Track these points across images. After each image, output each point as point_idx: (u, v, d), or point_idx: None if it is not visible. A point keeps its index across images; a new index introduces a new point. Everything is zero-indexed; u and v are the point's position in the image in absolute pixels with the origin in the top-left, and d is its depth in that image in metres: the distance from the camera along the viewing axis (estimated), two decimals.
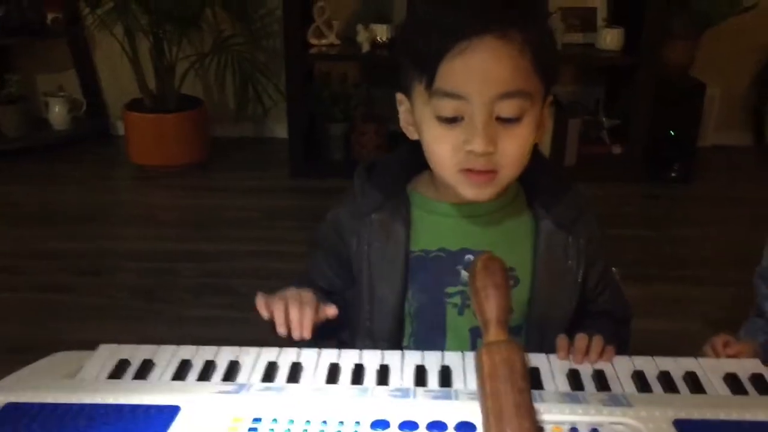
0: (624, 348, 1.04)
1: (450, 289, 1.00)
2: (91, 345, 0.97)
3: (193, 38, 3.43)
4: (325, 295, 1.04)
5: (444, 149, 0.89)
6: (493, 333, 0.65)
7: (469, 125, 0.87)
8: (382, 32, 3.24)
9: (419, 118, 0.92)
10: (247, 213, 3.08)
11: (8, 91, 3.56)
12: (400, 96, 0.96)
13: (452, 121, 0.87)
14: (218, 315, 2.33)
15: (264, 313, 0.93)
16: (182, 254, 2.73)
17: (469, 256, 0.98)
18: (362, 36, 3.23)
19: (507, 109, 0.86)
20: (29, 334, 2.21)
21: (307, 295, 0.95)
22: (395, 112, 0.99)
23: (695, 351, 1.12)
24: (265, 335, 1.00)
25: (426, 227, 1.00)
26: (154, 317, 2.32)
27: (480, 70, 0.84)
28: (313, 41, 3.30)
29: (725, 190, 3.29)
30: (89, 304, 2.40)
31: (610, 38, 3.23)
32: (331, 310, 0.95)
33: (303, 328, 0.91)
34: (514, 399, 0.59)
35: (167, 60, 3.35)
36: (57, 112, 3.65)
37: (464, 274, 0.98)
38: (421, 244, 1.00)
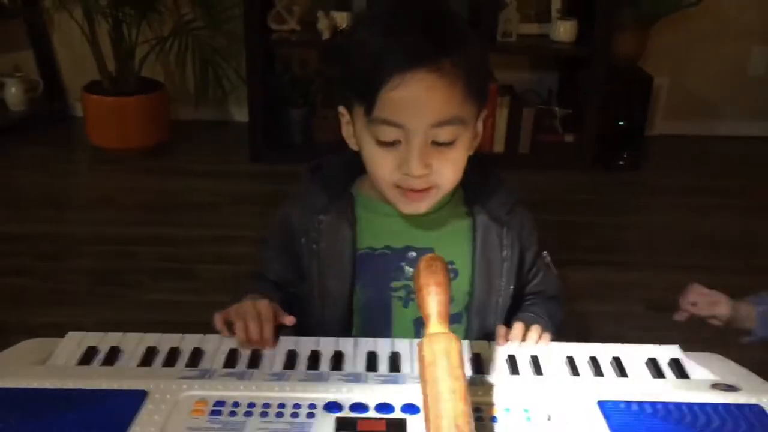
0: (556, 321, 1.14)
1: (395, 284, 1.07)
2: (53, 329, 1.01)
3: (153, 21, 3.42)
4: (277, 288, 1.11)
5: (382, 169, 0.97)
6: (434, 326, 0.73)
7: (406, 149, 0.94)
8: (342, 19, 3.27)
9: (359, 137, 0.98)
10: (207, 197, 3.10)
11: None
12: (341, 109, 1.02)
13: (390, 144, 0.95)
14: (179, 299, 2.36)
15: (225, 334, 0.99)
16: (142, 238, 2.75)
17: (412, 253, 1.06)
18: (323, 23, 3.26)
19: (442, 135, 0.94)
20: None
21: (264, 306, 0.99)
22: None
23: (638, 334, 1.20)
24: None
25: (371, 226, 1.07)
26: (114, 301, 2.34)
27: (415, 102, 0.91)
28: (274, 26, 3.32)
29: (671, 179, 3.42)
30: (49, 289, 2.42)
31: (564, 30, 3.31)
32: (289, 320, 1.01)
33: (265, 343, 0.97)
34: (450, 384, 0.66)
35: (127, 43, 3.34)
36: (13, 93, 3.60)
37: (408, 269, 1.06)
38: (367, 242, 1.07)
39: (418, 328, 1.07)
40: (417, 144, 0.93)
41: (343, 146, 1.06)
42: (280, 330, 1.01)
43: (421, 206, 1.00)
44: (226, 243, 2.71)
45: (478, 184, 1.08)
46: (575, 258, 2.62)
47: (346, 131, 1.03)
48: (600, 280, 2.53)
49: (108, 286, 2.45)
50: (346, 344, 0.98)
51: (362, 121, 0.96)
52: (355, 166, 1.07)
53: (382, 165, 0.97)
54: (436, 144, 0.94)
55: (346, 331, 1.09)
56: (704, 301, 1.22)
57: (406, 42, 0.90)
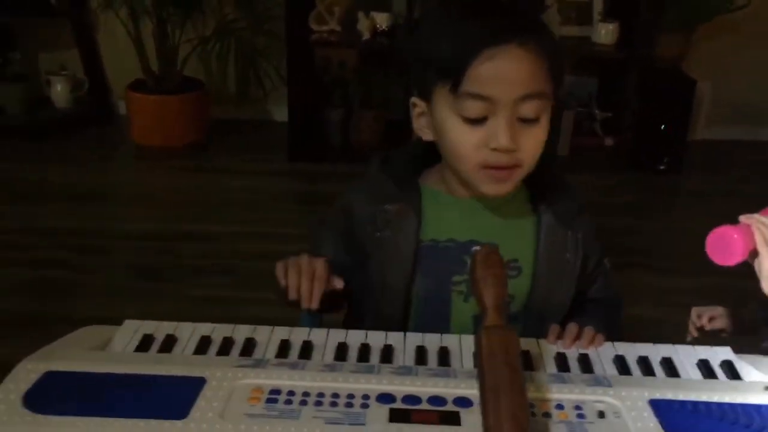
0: (615, 330, 1.12)
1: (457, 278, 1.07)
2: (95, 323, 1.03)
3: (196, 21, 3.47)
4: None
5: (467, 147, 0.97)
6: (491, 318, 0.73)
7: (493, 124, 0.95)
8: (382, 20, 3.29)
9: (441, 118, 0.99)
10: (245, 195, 3.15)
11: (11, 69, 3.60)
12: (414, 100, 1.03)
13: (477, 121, 0.95)
14: (219, 295, 2.39)
15: (281, 281, 1.01)
16: (182, 234, 2.79)
17: (476, 247, 1.03)
18: (363, 23, 3.28)
19: (528, 109, 0.95)
20: (37, 310, 2.27)
21: (320, 265, 1.01)
22: (393, 99, 1.06)
23: (677, 338, 1.21)
24: (266, 314, 1.08)
25: (436, 219, 1.07)
26: (156, 296, 2.38)
27: (505, 74, 0.93)
28: (315, 27, 3.35)
29: (712, 184, 3.37)
30: (92, 282, 2.47)
31: (605, 32, 3.29)
32: (338, 282, 1.03)
33: (312, 300, 1.00)
34: (509, 376, 0.67)
35: (170, 42, 3.40)
36: (59, 91, 3.68)
37: None
38: (430, 234, 1.07)
39: (477, 325, 1.06)
40: (505, 117, 0.94)
41: (381, 147, 1.07)
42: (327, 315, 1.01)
43: (506, 186, 1.00)
44: (265, 240, 2.74)
45: (543, 184, 1.08)
46: (613, 261, 2.60)
47: (419, 122, 1.04)
48: (639, 284, 2.50)
49: (149, 282, 2.49)
50: (395, 338, 0.99)
51: (447, 101, 0.96)
52: (421, 160, 1.07)
53: (467, 143, 0.96)
54: (522, 121, 0.95)
55: (402, 323, 1.08)
56: (705, 319, 1.26)
57: (494, 21, 0.94)
